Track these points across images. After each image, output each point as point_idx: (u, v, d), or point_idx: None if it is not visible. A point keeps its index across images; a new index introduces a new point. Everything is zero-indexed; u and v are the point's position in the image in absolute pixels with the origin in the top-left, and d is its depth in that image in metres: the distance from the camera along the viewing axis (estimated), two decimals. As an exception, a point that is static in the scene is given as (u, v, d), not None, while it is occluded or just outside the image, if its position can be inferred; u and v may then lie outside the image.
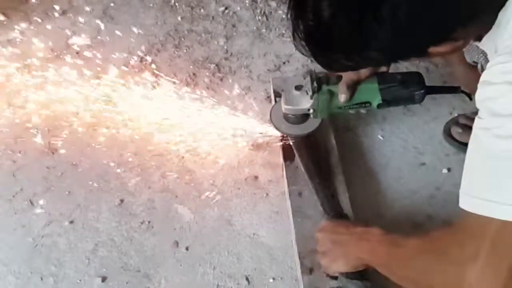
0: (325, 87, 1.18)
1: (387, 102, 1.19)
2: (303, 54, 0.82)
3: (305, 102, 1.21)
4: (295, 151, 1.31)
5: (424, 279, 0.82)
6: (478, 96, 0.77)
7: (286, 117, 1.28)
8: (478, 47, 1.01)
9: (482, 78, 0.76)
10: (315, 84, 1.17)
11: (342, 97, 1.18)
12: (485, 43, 0.81)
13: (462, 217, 0.76)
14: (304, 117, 1.27)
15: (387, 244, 0.97)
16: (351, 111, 1.22)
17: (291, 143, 1.31)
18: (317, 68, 0.91)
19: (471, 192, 0.75)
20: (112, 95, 1.56)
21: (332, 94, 1.18)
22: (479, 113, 0.76)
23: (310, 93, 1.19)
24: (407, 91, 1.18)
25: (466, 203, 0.75)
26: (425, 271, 0.81)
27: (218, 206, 1.34)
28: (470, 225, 0.75)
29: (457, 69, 1.23)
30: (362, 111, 1.22)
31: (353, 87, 1.18)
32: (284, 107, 1.24)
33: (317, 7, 0.73)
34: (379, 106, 1.19)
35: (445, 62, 1.33)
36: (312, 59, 0.84)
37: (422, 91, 1.18)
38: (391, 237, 0.98)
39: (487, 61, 1.01)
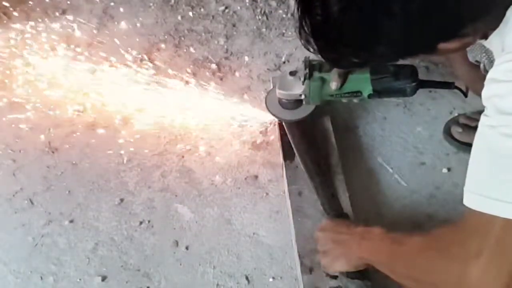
0: (317, 74, 1.19)
1: (378, 93, 1.19)
2: (308, 50, 0.80)
3: (298, 88, 1.22)
4: (291, 141, 1.31)
5: (427, 277, 0.82)
6: (485, 93, 0.76)
7: (280, 102, 1.29)
8: (481, 46, 1.01)
9: (489, 76, 0.76)
10: (306, 70, 1.19)
11: (333, 85, 1.18)
12: (492, 41, 0.80)
13: (465, 215, 0.76)
14: (297, 102, 1.27)
15: (389, 243, 0.97)
16: (344, 100, 1.23)
17: (288, 135, 1.32)
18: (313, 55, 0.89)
19: (475, 190, 0.75)
20: (112, 95, 1.56)
21: (323, 81, 1.19)
22: (486, 111, 0.76)
23: (302, 79, 1.20)
24: (398, 83, 1.18)
25: (470, 200, 0.75)
26: (428, 269, 0.81)
27: (218, 205, 1.34)
28: (473, 223, 0.74)
29: (459, 68, 1.22)
30: (355, 100, 1.22)
31: (344, 76, 1.18)
32: (277, 91, 1.26)
33: (326, 1, 0.72)
34: (369, 96, 1.20)
35: (447, 61, 1.32)
36: (318, 55, 0.81)
37: (414, 84, 1.18)
38: (392, 236, 0.98)
39: (490, 60, 1.01)
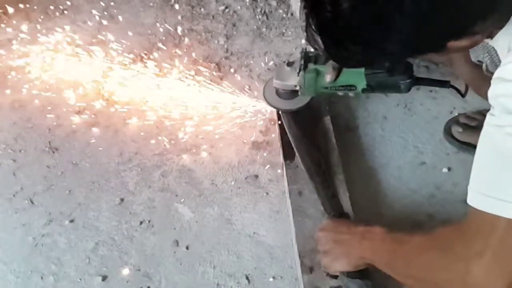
0: (312, 66, 1.20)
1: (371, 88, 1.19)
2: (315, 48, 0.79)
3: (293, 79, 1.23)
4: (291, 141, 1.31)
5: (429, 276, 0.82)
6: (492, 92, 0.76)
7: (277, 92, 1.31)
8: (483, 46, 1.00)
9: (496, 75, 0.75)
10: (302, 62, 1.19)
11: (328, 77, 1.19)
12: (498, 40, 0.79)
13: (469, 214, 0.76)
14: (293, 93, 1.28)
15: (390, 242, 0.97)
16: (339, 93, 1.23)
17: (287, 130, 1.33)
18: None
19: (479, 189, 0.75)
20: (112, 94, 1.56)
21: (318, 73, 1.20)
22: (492, 110, 0.75)
23: (297, 70, 1.21)
24: (392, 79, 1.17)
25: (474, 200, 0.75)
26: (430, 268, 0.81)
27: (218, 205, 1.34)
28: (477, 222, 0.74)
29: (460, 68, 1.22)
30: (350, 94, 1.23)
31: (339, 69, 1.18)
32: (274, 81, 1.27)
33: None
34: (363, 90, 1.20)
35: (448, 60, 1.32)
36: (326, 54, 0.79)
37: (408, 80, 1.17)
38: (394, 235, 0.98)
39: (492, 60, 1.01)
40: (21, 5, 1.80)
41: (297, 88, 1.24)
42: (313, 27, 0.74)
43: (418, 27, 0.69)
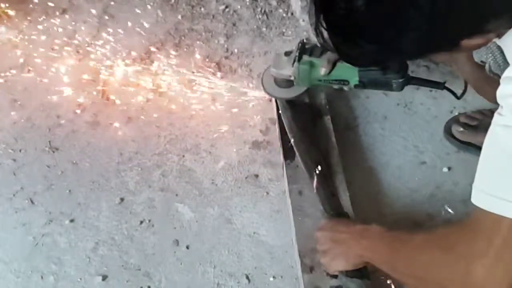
0: (306, 58, 1.20)
1: (363, 84, 1.19)
2: (325, 47, 0.77)
3: (288, 69, 1.24)
4: (291, 140, 1.31)
5: (430, 275, 0.81)
6: (501, 92, 0.75)
7: (275, 80, 1.32)
8: (487, 46, 1.00)
9: (505, 74, 0.74)
10: (297, 53, 1.20)
11: (322, 70, 1.19)
12: (506, 40, 0.77)
13: (473, 213, 0.75)
14: (290, 82, 1.29)
15: (390, 241, 0.97)
16: (335, 87, 1.23)
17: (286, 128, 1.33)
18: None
19: (484, 188, 0.74)
20: (112, 94, 1.56)
21: (312, 66, 1.20)
22: (500, 110, 0.75)
23: (291, 61, 1.22)
24: (385, 77, 1.17)
25: (479, 199, 0.75)
26: (432, 267, 0.81)
27: (219, 204, 1.34)
28: (480, 222, 0.74)
29: (463, 68, 1.22)
30: (345, 88, 1.23)
31: (334, 63, 1.18)
32: (271, 69, 1.28)
33: None
34: (355, 86, 1.20)
35: (451, 60, 1.32)
36: (336, 52, 0.78)
37: (401, 80, 1.17)
38: (393, 234, 0.98)
39: (495, 61, 1.00)
40: (21, 5, 1.80)
41: (292, 78, 1.25)
42: (323, 24, 0.72)
43: (433, 24, 0.67)
